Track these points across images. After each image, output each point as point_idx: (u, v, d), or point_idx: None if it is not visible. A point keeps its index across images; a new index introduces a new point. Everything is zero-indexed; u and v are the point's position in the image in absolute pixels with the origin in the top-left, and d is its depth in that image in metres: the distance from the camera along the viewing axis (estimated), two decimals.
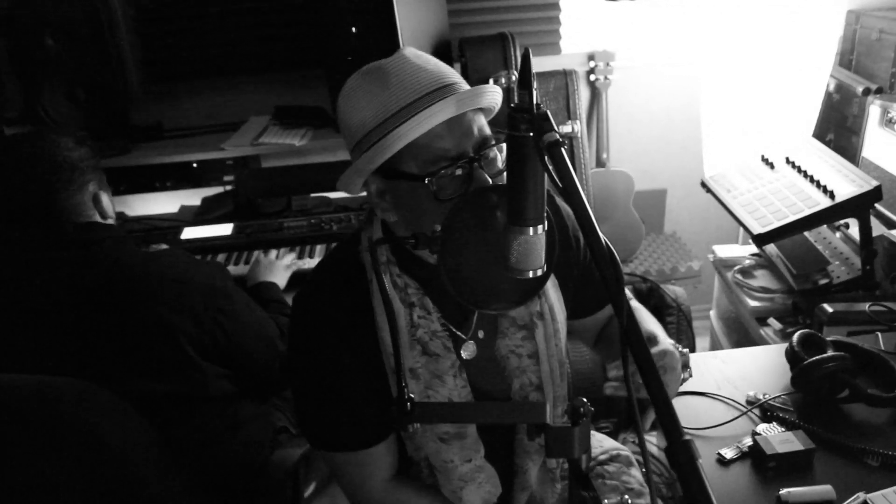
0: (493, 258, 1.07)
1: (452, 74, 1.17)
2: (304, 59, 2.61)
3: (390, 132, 1.11)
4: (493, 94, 1.17)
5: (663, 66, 2.92)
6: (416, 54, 1.18)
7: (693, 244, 3.08)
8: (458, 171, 1.13)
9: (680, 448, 0.76)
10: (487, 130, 1.17)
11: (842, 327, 1.84)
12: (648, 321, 1.46)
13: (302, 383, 1.30)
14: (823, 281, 2.10)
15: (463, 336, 1.31)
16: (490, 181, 1.13)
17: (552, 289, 1.34)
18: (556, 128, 0.97)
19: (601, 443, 1.68)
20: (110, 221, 1.68)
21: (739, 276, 2.28)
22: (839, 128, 2.82)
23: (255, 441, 1.79)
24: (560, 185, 0.93)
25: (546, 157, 0.94)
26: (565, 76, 2.66)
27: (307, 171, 2.70)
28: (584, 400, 0.92)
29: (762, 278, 2.28)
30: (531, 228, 1.00)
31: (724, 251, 2.42)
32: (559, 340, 1.36)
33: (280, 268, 2.21)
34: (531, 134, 0.97)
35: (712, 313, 2.62)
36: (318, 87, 2.60)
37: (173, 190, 2.61)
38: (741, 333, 2.40)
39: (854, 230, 2.21)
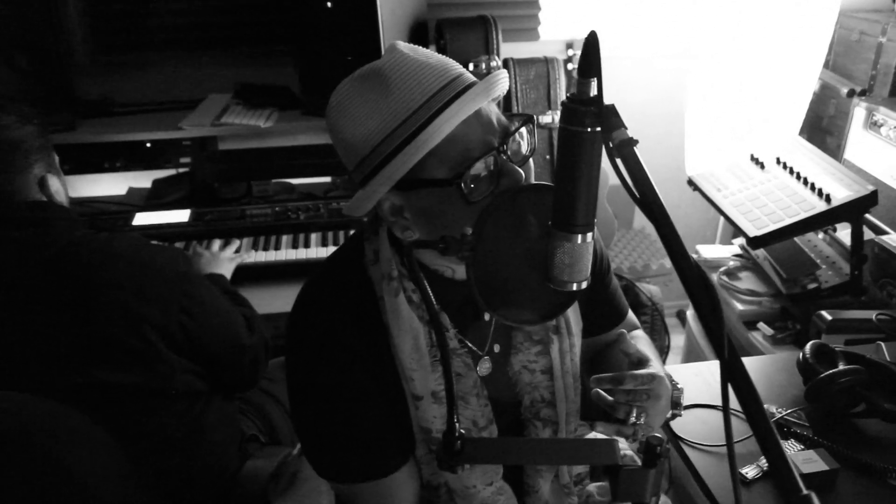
0: (529, 265, 0.95)
1: (455, 65, 1.04)
2: (270, 33, 2.42)
3: (412, 139, 0.97)
4: (506, 82, 1.05)
5: (643, 59, 2.85)
6: (412, 48, 1.04)
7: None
8: (485, 170, 1.01)
9: None
10: (504, 118, 1.06)
11: (839, 335, 1.80)
12: (644, 346, 1.38)
13: (310, 412, 1.15)
14: (812, 285, 2.05)
15: (479, 352, 1.20)
16: (522, 172, 1.02)
17: None
18: (624, 124, 0.86)
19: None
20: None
21: (725, 279, 2.22)
22: (813, 129, 2.81)
23: (222, 448, 1.64)
24: (636, 194, 0.82)
25: (617, 159, 0.84)
26: (546, 64, 2.55)
27: (269, 155, 2.52)
28: (660, 437, 0.81)
29: (748, 280, 2.23)
30: (580, 236, 0.89)
31: (708, 251, 2.36)
32: (574, 355, 1.27)
33: (224, 260, 2.06)
34: (597, 130, 0.86)
35: (689, 314, 2.57)
36: (284, 65, 2.44)
37: (123, 171, 2.40)
38: None
39: (840, 234, 2.18)
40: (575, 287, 0.91)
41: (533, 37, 2.77)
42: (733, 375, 0.72)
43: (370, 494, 1.16)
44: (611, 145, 0.84)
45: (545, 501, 1.31)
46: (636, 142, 0.84)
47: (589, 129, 0.85)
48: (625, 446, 1.20)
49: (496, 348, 1.22)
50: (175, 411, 1.50)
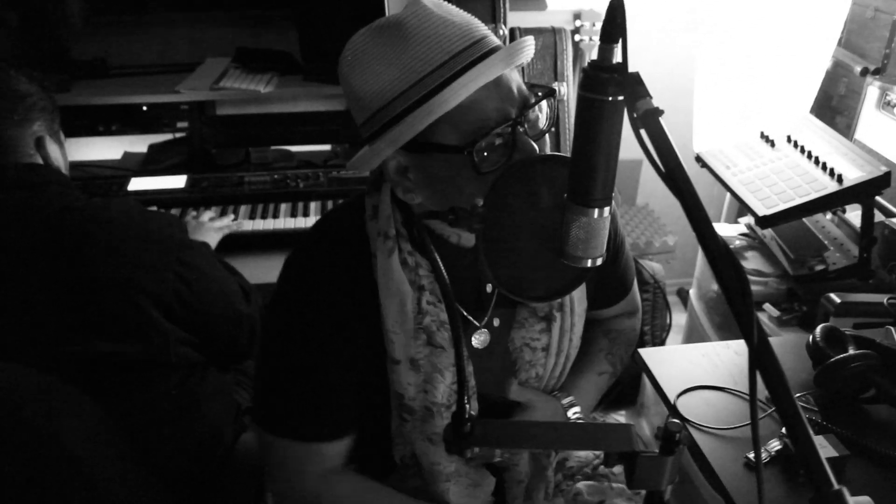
0: (542, 239, 0.92)
1: (480, 26, 1.00)
2: None
3: (427, 99, 0.93)
4: (531, 49, 1.01)
5: (651, 32, 2.78)
6: (436, 3, 0.99)
7: (665, 218, 2.99)
8: (499, 140, 0.97)
9: (831, 500, 0.63)
10: (525, 88, 1.01)
11: (847, 319, 1.76)
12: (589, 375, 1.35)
13: (272, 356, 1.15)
14: (819, 267, 2.02)
15: (476, 323, 1.16)
16: (536, 147, 0.98)
17: None
18: (649, 93, 0.82)
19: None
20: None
21: None
22: (823, 108, 2.75)
23: (217, 420, 1.61)
24: (662, 168, 0.78)
25: (641, 130, 0.80)
26: (554, 34, 2.49)
27: (268, 121, 2.47)
28: (679, 422, 0.77)
29: (753, 260, 2.19)
30: (596, 210, 0.85)
31: None
32: (574, 335, 1.24)
33: (210, 229, 2.01)
34: (619, 98, 0.82)
35: (692, 292, 2.53)
36: (285, 30, 2.38)
37: (118, 135, 2.34)
38: (724, 316, 2.32)
39: (849, 215, 2.14)
40: (589, 263, 0.88)
41: (540, 6, 2.70)
42: (762, 362, 0.68)
43: (293, 452, 1.15)
44: (634, 115, 0.80)
45: (524, 479, 1.28)
46: (662, 112, 0.80)
47: (610, 98, 0.82)
48: None
49: (496, 322, 1.18)
50: (170, 383, 1.47)
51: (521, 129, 0.97)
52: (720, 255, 0.70)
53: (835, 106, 2.70)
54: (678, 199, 0.75)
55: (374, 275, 1.07)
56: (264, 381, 1.17)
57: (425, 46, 0.93)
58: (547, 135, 1.03)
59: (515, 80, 0.99)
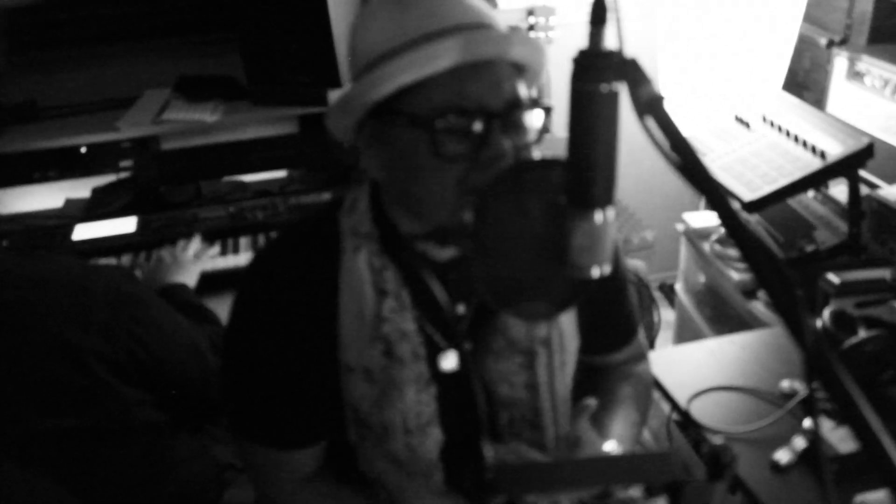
0: (540, 251, 0.83)
1: (494, 17, 0.93)
2: (209, 18, 2.22)
3: (393, 60, 0.87)
4: (533, 50, 0.93)
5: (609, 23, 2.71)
6: None
7: (641, 213, 2.91)
8: (474, 128, 0.88)
9: None
10: (523, 94, 0.92)
11: (848, 298, 1.68)
12: (620, 415, 1.17)
13: (234, 360, 1.09)
14: (810, 247, 1.94)
15: (442, 344, 1.04)
16: (508, 151, 0.89)
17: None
18: (650, 78, 0.72)
19: None
20: None
21: (718, 247, 2.10)
22: (789, 84, 2.70)
23: (197, 481, 1.47)
24: (678, 162, 0.68)
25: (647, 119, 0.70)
26: None
27: (217, 151, 2.32)
28: (726, 445, 0.67)
29: None
30: (599, 212, 0.76)
31: (696, 220, 2.24)
32: (566, 375, 1.11)
33: (187, 263, 1.85)
34: (615, 87, 0.72)
35: (678, 287, 2.45)
36: (226, 53, 2.25)
37: (56, 181, 2.19)
38: (715, 308, 2.23)
39: (832, 191, 2.08)
40: (596, 272, 0.78)
41: (491, 4, 2.61)
42: (821, 369, 0.59)
43: (263, 458, 1.10)
44: (637, 104, 0.70)
45: None
46: (664, 98, 0.71)
47: (604, 88, 0.72)
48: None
49: (467, 345, 1.06)
50: (135, 448, 1.33)
51: (498, 124, 0.88)
52: (759, 254, 0.60)
53: (801, 81, 2.64)
54: (702, 194, 0.65)
55: (339, 275, 1.00)
56: (228, 387, 1.11)
57: (423, 12, 0.88)
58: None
59: (512, 80, 0.90)
